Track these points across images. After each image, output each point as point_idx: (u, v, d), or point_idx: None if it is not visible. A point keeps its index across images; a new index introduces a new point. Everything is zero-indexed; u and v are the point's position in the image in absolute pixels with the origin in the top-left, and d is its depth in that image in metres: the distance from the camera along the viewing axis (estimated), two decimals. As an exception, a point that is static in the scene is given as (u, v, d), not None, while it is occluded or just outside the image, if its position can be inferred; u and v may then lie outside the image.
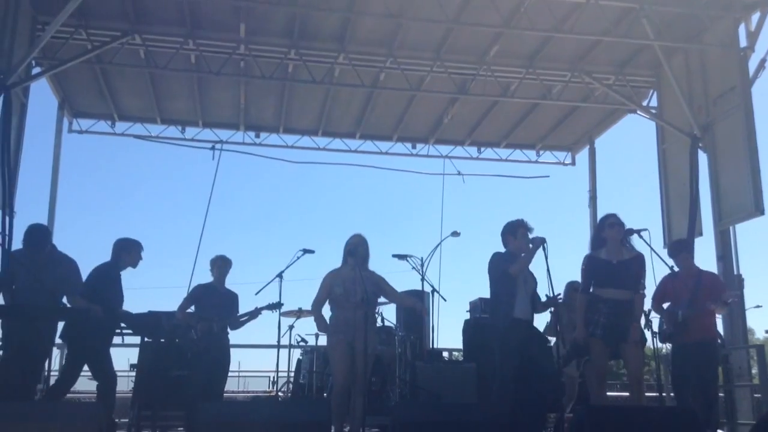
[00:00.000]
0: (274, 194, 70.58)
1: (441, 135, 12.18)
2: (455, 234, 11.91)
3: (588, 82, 10.44)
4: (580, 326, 6.07)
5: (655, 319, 6.79)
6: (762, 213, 8.46)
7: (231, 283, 7.66)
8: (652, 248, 6.07)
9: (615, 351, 6.04)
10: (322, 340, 7.44)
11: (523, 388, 5.99)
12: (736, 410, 8.20)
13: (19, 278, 6.24)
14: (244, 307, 7.56)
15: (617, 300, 5.94)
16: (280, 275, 7.67)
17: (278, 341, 7.96)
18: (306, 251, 7.77)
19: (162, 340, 7.28)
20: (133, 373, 7.64)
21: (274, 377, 8.67)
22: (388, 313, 8.42)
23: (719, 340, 7.34)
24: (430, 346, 9.42)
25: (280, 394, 8.63)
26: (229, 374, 8.16)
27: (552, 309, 6.52)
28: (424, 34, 9.60)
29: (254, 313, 7.50)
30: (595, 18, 8.84)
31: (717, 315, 7.05)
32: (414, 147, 12.49)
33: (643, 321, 6.07)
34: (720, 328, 7.09)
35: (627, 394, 7.10)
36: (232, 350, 7.70)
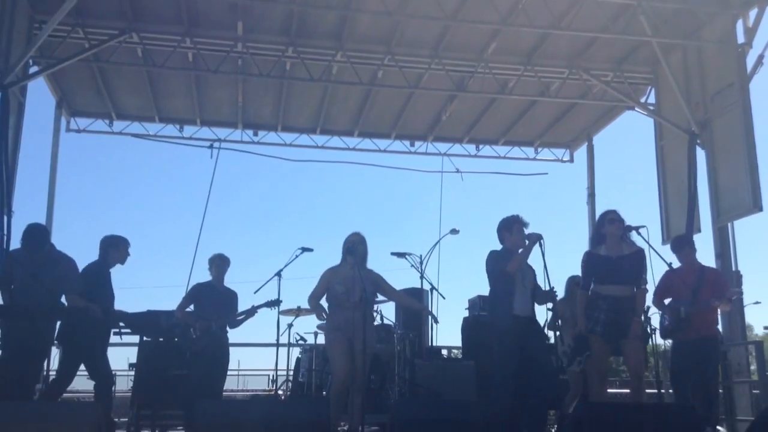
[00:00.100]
0: (272, 192, 70.60)
1: (439, 132, 12.17)
2: (454, 231, 11.90)
3: (586, 79, 10.44)
4: (581, 322, 6.08)
5: (655, 315, 6.81)
6: (760, 209, 8.47)
7: (229, 281, 7.67)
8: (650, 245, 6.08)
9: (616, 347, 6.04)
10: (321, 339, 7.46)
11: (523, 385, 6.01)
12: (735, 406, 8.21)
13: (17, 278, 6.25)
14: (243, 306, 7.56)
15: (617, 296, 5.94)
16: (278, 274, 7.68)
17: (277, 340, 7.97)
18: (305, 249, 7.78)
19: (161, 340, 7.28)
20: (132, 373, 7.64)
21: (273, 376, 8.68)
22: (387, 311, 8.44)
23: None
24: (429, 344, 9.42)
25: (280, 392, 8.63)
26: (229, 373, 8.15)
27: (550, 305, 6.52)
28: (422, 32, 9.59)
29: (251, 312, 7.49)
30: (592, 15, 8.84)
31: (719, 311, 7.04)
32: (412, 145, 12.47)
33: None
34: (719, 324, 7.07)
35: (627, 390, 7.11)
36: (231, 349, 7.69)
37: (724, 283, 7.08)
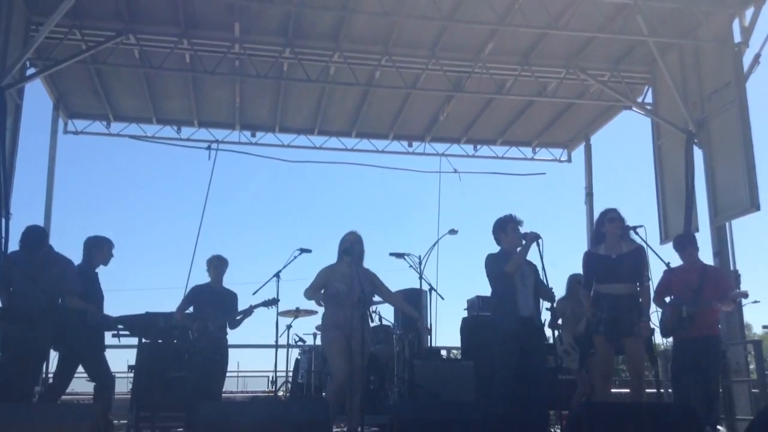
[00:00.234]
0: (270, 193, 70.60)
1: (437, 133, 12.18)
2: (453, 232, 11.90)
3: (583, 79, 10.45)
4: (589, 311, 6.06)
5: (654, 313, 6.80)
6: (757, 208, 8.48)
7: (228, 283, 7.67)
8: (648, 244, 6.08)
9: (620, 347, 6.02)
10: (320, 340, 7.45)
11: (522, 385, 6.01)
12: (734, 406, 8.22)
13: (15, 280, 6.24)
14: (242, 307, 7.54)
15: (618, 295, 5.94)
16: (277, 275, 7.66)
17: (276, 341, 7.96)
18: (303, 250, 7.77)
19: (160, 341, 7.28)
20: (132, 375, 7.64)
21: (272, 377, 8.67)
22: (385, 312, 8.44)
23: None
24: (428, 345, 9.43)
25: (280, 394, 8.63)
26: (228, 374, 8.16)
27: (549, 305, 6.52)
28: (419, 32, 9.59)
29: (249, 311, 7.47)
30: (589, 14, 8.85)
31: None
32: (410, 145, 12.47)
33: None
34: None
35: (627, 390, 7.11)
36: (230, 350, 7.70)
37: (727, 282, 7.08)
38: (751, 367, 9.04)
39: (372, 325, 7.42)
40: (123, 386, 9.47)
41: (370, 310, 6.50)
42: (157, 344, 7.31)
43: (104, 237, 6.88)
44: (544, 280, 6.11)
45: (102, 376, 6.50)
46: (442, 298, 9.24)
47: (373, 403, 7.53)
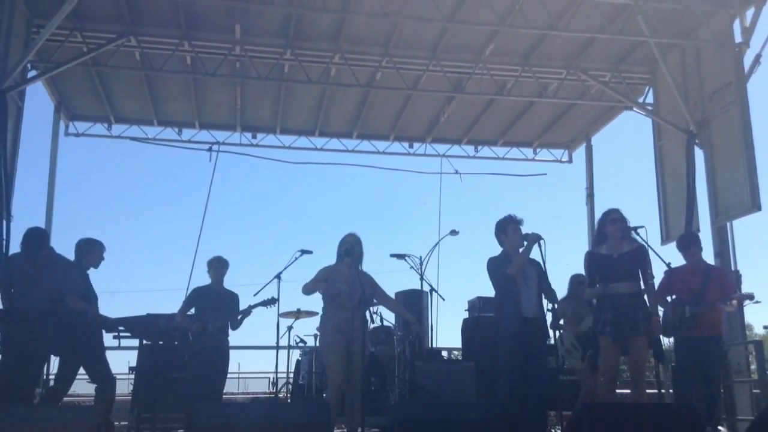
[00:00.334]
0: (271, 195, 70.48)
1: (438, 134, 12.18)
2: (454, 233, 11.90)
3: (584, 80, 10.45)
4: (598, 293, 6.06)
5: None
6: (759, 209, 8.47)
7: (229, 284, 7.68)
8: (648, 245, 6.07)
9: (625, 347, 6.00)
10: (318, 342, 7.45)
11: (523, 386, 6.01)
12: (735, 406, 8.21)
13: (17, 282, 6.25)
14: (243, 307, 7.55)
15: (621, 294, 5.93)
16: (278, 276, 7.67)
17: (277, 342, 7.96)
18: (304, 252, 7.77)
19: (161, 343, 7.28)
20: (133, 376, 7.65)
21: (273, 378, 8.67)
22: (386, 313, 8.42)
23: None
24: (429, 346, 9.43)
25: (281, 395, 8.62)
26: (229, 376, 8.16)
27: (549, 306, 6.52)
28: (420, 33, 9.59)
29: (247, 311, 7.48)
30: (589, 15, 8.85)
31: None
32: (411, 146, 12.47)
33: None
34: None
35: (628, 391, 7.09)
36: (231, 352, 7.69)
37: (730, 282, 7.06)
38: (752, 368, 9.03)
39: (373, 326, 7.43)
40: (124, 388, 9.48)
41: (371, 311, 6.48)
42: (157, 346, 7.33)
43: (95, 239, 6.88)
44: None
45: (102, 377, 6.50)
46: (443, 299, 9.25)
47: (373, 404, 7.53)
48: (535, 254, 6.14)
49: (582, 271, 6.47)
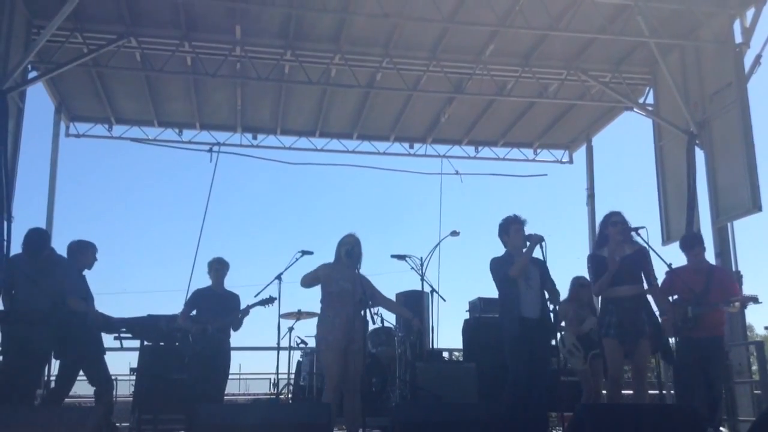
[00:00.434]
0: (272, 196, 70.40)
1: (438, 134, 12.18)
2: (454, 233, 11.91)
3: (584, 80, 10.45)
4: (605, 285, 6.03)
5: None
6: (759, 209, 8.47)
7: (230, 285, 7.66)
8: (649, 246, 6.07)
9: (630, 348, 5.99)
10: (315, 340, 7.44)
11: (527, 387, 6.01)
12: (737, 407, 8.20)
13: (18, 283, 6.25)
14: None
15: (624, 297, 5.93)
16: (279, 277, 7.67)
17: (278, 343, 7.97)
18: (305, 253, 7.77)
19: (161, 344, 7.28)
20: (134, 377, 7.65)
21: (274, 379, 8.67)
22: (387, 314, 8.42)
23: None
24: (430, 347, 9.42)
25: (282, 396, 8.62)
26: (230, 377, 8.15)
27: (553, 307, 6.51)
28: (420, 34, 9.60)
29: (245, 311, 7.47)
30: (590, 16, 8.85)
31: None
32: (411, 147, 12.48)
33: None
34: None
35: (630, 392, 7.08)
36: (233, 353, 7.69)
37: (733, 283, 7.05)
38: (753, 368, 9.02)
39: (374, 327, 7.43)
40: (125, 389, 9.49)
41: (372, 311, 6.47)
42: (158, 347, 7.33)
43: (88, 241, 6.90)
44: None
45: (101, 380, 6.50)
46: (444, 300, 9.25)
47: (374, 405, 7.53)
48: (536, 255, 6.15)
49: (583, 272, 6.48)
